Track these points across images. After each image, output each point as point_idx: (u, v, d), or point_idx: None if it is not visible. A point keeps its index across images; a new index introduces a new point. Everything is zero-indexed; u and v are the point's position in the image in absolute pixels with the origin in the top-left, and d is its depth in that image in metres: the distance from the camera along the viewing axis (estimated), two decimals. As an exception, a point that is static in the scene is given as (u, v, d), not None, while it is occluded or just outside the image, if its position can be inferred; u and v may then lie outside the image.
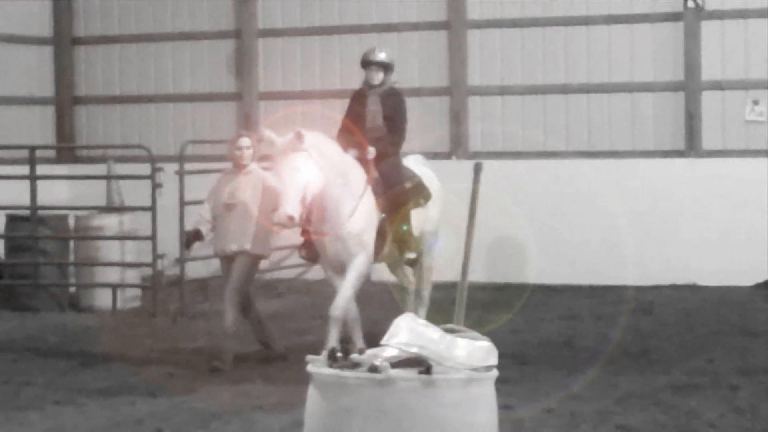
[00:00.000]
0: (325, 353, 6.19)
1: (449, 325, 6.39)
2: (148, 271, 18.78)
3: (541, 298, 19.05)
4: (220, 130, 22.62)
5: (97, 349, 15.56)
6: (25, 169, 19.45)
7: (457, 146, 22.05)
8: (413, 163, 15.05)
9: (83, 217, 19.43)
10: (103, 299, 18.89)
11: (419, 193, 14.57)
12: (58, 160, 22.86)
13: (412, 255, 14.78)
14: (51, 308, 18.74)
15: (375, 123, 14.29)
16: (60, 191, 20.63)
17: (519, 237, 20.62)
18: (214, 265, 20.24)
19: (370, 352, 6.10)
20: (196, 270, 19.45)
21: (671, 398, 12.22)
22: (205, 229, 14.39)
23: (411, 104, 22.09)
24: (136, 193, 19.27)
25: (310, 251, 14.23)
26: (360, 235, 13.72)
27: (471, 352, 6.23)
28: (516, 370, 12.98)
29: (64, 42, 23.76)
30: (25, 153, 19.78)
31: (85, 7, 23.94)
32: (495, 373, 6.46)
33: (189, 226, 15.48)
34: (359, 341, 13.36)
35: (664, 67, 21.10)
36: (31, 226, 19.08)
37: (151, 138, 21.04)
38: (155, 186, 18.42)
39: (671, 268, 20.21)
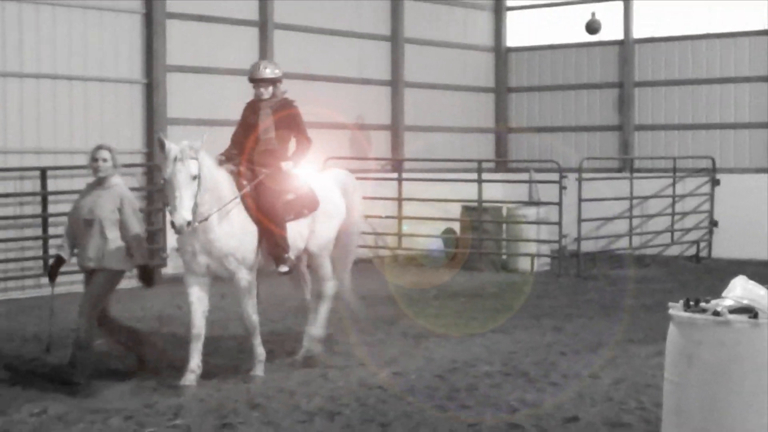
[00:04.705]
0: (681, 302, 6.16)
1: (772, 285, 6.28)
2: (555, 246, 18.87)
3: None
4: (608, 152, 22.47)
5: (523, 298, 15.69)
6: (474, 176, 19.86)
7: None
8: (323, 177, 11.19)
9: (512, 207, 19.65)
10: (524, 264, 19.02)
11: (301, 204, 10.45)
12: (496, 169, 23.16)
13: (284, 269, 10.25)
14: (490, 269, 19.06)
15: (267, 135, 10.27)
16: (497, 190, 20.89)
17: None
18: (601, 243, 20.23)
19: (714, 302, 6.04)
20: (588, 246, 19.42)
21: None
22: (66, 253, 10.06)
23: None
24: (548, 192, 19.43)
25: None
26: (234, 253, 9.80)
27: (788, 305, 6.10)
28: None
29: (501, 89, 24.02)
30: (474, 165, 20.20)
31: (518, 59, 24.12)
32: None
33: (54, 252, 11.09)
34: (258, 347, 10.20)
35: None
36: (477, 213, 19.46)
37: (559, 155, 21.04)
38: (561, 188, 18.48)
39: None
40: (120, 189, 9.95)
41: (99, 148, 10.06)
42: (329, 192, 10.91)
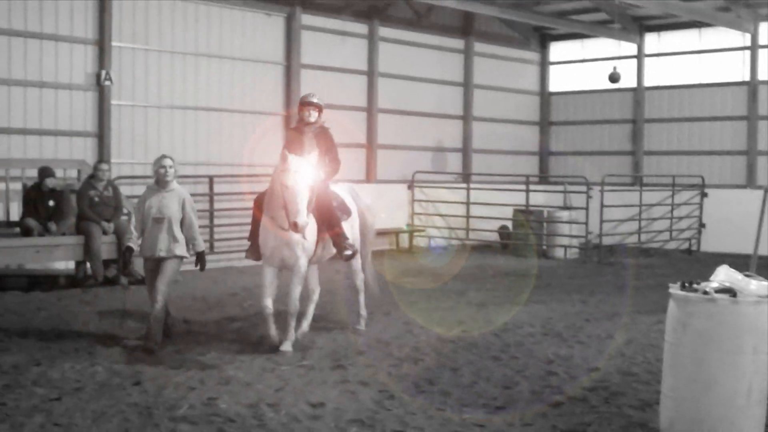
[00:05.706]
0: (678, 283, 6.06)
1: (747, 272, 6.14)
2: (582, 240, 18.60)
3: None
4: (623, 171, 22.13)
5: (558, 278, 15.55)
6: (523, 186, 19.63)
7: (750, 180, 20.59)
8: (340, 189, 10.02)
9: (551, 211, 19.42)
10: (559, 253, 18.81)
11: (342, 211, 9.62)
12: (540, 182, 22.94)
13: (348, 253, 9.42)
14: (533, 256, 18.87)
15: (311, 153, 9.13)
16: (540, 197, 20.70)
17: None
18: (617, 238, 19.88)
19: (703, 284, 5.95)
20: (607, 240, 19.10)
21: None
22: (135, 244, 9.14)
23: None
24: (578, 200, 19.18)
25: (255, 254, 9.26)
26: (303, 243, 8.97)
27: (759, 287, 5.97)
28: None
29: (544, 123, 23.77)
30: (523, 178, 20.04)
31: (557, 101, 23.85)
32: (773, 300, 6.10)
33: (127, 244, 9.29)
34: (304, 316, 9.62)
35: None
36: (525, 215, 19.19)
37: (587, 172, 20.76)
38: (588, 197, 18.25)
39: None
40: (180, 191, 9.16)
41: (164, 157, 9.23)
42: (348, 199, 9.98)
